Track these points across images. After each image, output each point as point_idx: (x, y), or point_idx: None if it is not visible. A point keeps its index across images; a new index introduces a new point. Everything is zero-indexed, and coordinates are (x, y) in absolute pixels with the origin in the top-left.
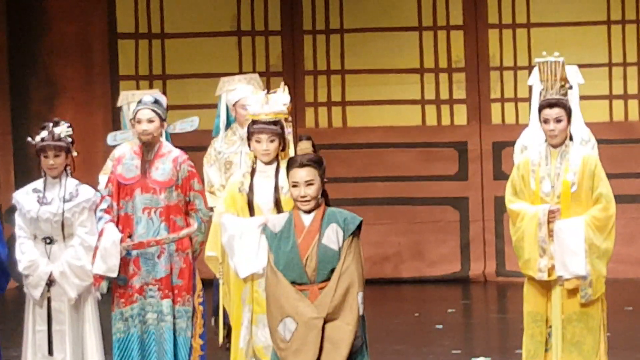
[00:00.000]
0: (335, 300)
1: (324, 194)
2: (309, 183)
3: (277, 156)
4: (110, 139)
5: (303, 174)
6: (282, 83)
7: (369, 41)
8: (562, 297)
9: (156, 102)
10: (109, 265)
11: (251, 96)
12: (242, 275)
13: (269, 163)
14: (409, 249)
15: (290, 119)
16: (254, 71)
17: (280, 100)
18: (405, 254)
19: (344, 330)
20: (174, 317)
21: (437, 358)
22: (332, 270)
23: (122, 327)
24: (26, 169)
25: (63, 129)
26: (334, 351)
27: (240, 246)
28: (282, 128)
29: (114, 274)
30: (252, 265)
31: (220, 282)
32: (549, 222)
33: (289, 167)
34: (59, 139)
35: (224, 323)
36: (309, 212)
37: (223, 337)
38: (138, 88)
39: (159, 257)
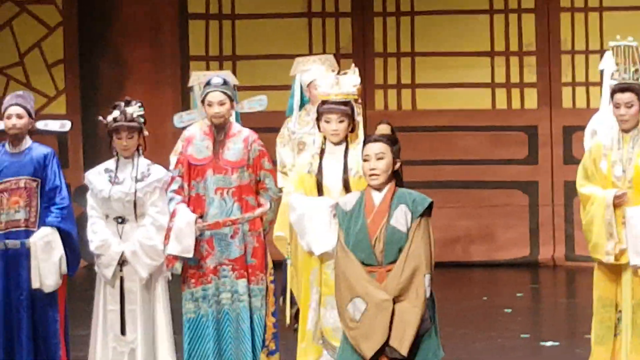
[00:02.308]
0: (402, 282)
1: (398, 175)
2: (379, 157)
3: (346, 137)
4: (177, 120)
5: (375, 147)
6: (353, 65)
7: (440, 24)
8: (632, 282)
9: (225, 83)
10: (184, 246)
11: (321, 77)
12: (317, 252)
13: (338, 144)
14: (478, 233)
15: (360, 100)
16: (324, 53)
17: (350, 81)
18: (474, 237)
19: (410, 312)
20: (249, 297)
21: (506, 342)
22: (400, 252)
23: (193, 308)
24: (95, 149)
25: (135, 109)
26: (401, 333)
27: (312, 225)
28: (352, 109)
29: (189, 255)
30: (326, 242)
31: (289, 262)
32: (615, 206)
33: (363, 144)
34: (132, 120)
35: (292, 304)
36: (378, 188)
37: (291, 318)
38: (208, 69)
39: (232, 237)
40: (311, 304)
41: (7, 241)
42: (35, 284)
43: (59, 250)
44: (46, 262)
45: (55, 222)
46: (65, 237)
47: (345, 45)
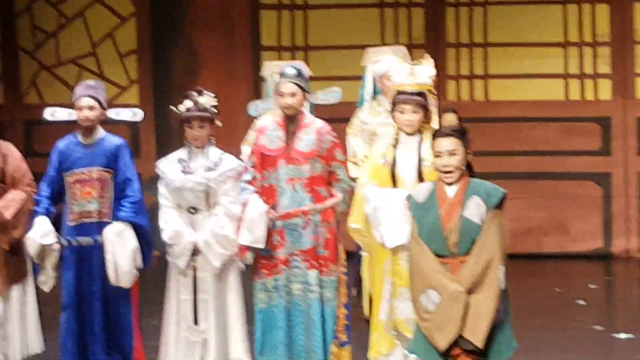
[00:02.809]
0: (476, 274)
1: (469, 166)
2: (452, 153)
3: (420, 128)
4: (252, 109)
5: (446, 143)
6: (428, 55)
7: (512, 14)
8: None
9: (298, 74)
10: (255, 236)
11: (396, 67)
12: (389, 245)
13: (412, 135)
14: (550, 224)
15: (434, 91)
16: (396, 43)
17: (425, 72)
18: (546, 228)
19: (485, 304)
20: (321, 287)
21: (578, 333)
22: (474, 243)
23: (265, 298)
24: (167, 138)
25: (207, 99)
26: (475, 325)
27: (385, 217)
28: (426, 100)
29: (261, 245)
30: (399, 235)
31: (364, 254)
32: None
33: (433, 138)
34: (204, 110)
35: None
36: (452, 183)
37: (367, 308)
38: (280, 59)
39: (304, 228)
40: (384, 295)
41: (79, 238)
42: (112, 280)
43: (133, 244)
44: (121, 258)
45: (128, 217)
46: (138, 230)
47: (418, 35)
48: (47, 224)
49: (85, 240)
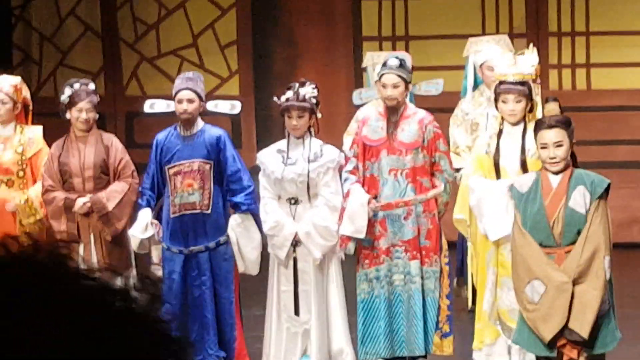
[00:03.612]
0: (582, 264)
1: (572, 155)
2: (558, 144)
3: (524, 117)
4: (356, 97)
5: (552, 135)
6: (531, 44)
7: (615, 2)
8: None
9: (401, 65)
10: (356, 227)
11: (498, 57)
12: (492, 237)
13: (515, 124)
14: None
15: (538, 80)
16: (497, 32)
17: (528, 61)
18: None
19: (590, 295)
20: (422, 278)
21: None
22: (579, 233)
23: (367, 288)
24: (268, 129)
25: (308, 90)
26: (581, 316)
27: (489, 208)
28: (530, 89)
29: (362, 235)
30: (502, 227)
31: (469, 244)
32: None
33: (536, 129)
34: (304, 100)
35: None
36: (557, 173)
37: (471, 299)
38: (381, 49)
39: (405, 218)
40: (487, 285)
41: (192, 248)
42: (240, 269)
43: (257, 233)
44: (248, 248)
45: (248, 208)
46: (256, 219)
47: (519, 24)
48: (149, 217)
49: (197, 249)
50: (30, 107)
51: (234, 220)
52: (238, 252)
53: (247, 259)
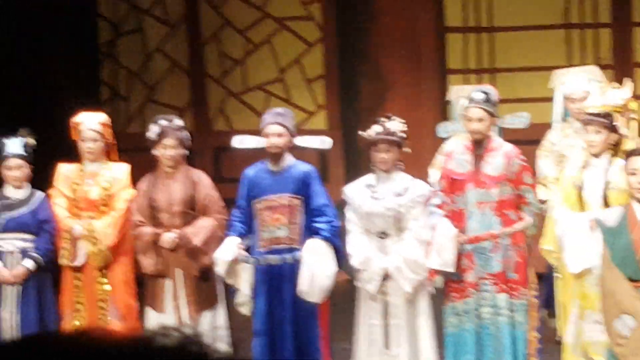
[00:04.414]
0: None
1: None
2: None
3: (611, 150)
4: (441, 130)
5: None
6: (630, 80)
7: None
8: None
9: (486, 99)
10: (444, 260)
11: (581, 88)
12: (573, 270)
13: (598, 156)
14: None
15: (630, 114)
16: (582, 64)
17: (618, 93)
18: None
19: None
20: (511, 311)
21: None
22: None
23: (455, 322)
24: (356, 164)
25: (396, 124)
26: None
27: (571, 241)
28: (612, 121)
29: (450, 269)
30: (583, 260)
31: (556, 275)
32: None
33: (628, 156)
34: (392, 134)
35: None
36: None
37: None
38: (467, 82)
39: (493, 251)
40: (571, 317)
41: (269, 257)
42: (303, 292)
43: (332, 265)
44: (319, 273)
45: (328, 237)
46: (335, 251)
47: (605, 56)
48: (235, 242)
49: (274, 259)
50: (114, 143)
51: (312, 242)
52: (308, 275)
53: (315, 284)
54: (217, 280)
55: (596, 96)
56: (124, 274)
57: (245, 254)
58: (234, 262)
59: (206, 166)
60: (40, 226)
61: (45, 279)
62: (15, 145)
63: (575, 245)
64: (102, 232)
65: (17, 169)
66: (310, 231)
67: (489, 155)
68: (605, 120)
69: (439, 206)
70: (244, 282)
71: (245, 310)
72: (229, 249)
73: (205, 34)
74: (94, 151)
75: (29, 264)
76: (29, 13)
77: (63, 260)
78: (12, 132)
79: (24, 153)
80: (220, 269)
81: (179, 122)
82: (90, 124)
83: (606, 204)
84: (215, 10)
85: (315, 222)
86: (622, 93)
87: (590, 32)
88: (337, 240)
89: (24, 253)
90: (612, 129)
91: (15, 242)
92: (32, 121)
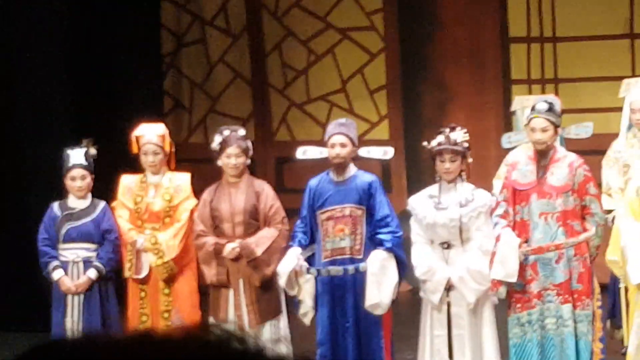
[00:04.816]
0: None
1: None
2: None
3: None
4: (505, 140)
5: None
6: None
7: None
8: None
9: (550, 109)
10: (507, 271)
11: None
12: (634, 281)
13: None
14: None
15: None
16: None
17: None
18: None
19: None
20: (575, 322)
21: None
22: None
23: (519, 332)
24: (418, 174)
25: (460, 134)
26: None
27: (633, 252)
28: None
29: (513, 279)
30: None
31: (622, 285)
32: None
33: None
34: (456, 144)
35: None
36: None
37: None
38: (530, 92)
39: (557, 262)
40: (633, 327)
41: (330, 268)
42: (367, 305)
43: (394, 274)
44: (382, 286)
45: (392, 248)
46: (398, 262)
47: None
48: (298, 253)
49: (335, 269)
50: (174, 152)
51: (376, 255)
52: (371, 287)
53: (378, 295)
54: (280, 290)
55: None
56: (188, 284)
57: (306, 264)
58: (296, 273)
59: (268, 176)
60: (102, 236)
61: (108, 289)
62: (78, 155)
63: (637, 256)
64: (166, 244)
65: (81, 179)
66: (374, 242)
67: (553, 165)
68: None
69: (503, 216)
70: (306, 293)
71: (307, 320)
72: (291, 260)
73: (267, 45)
74: (155, 164)
75: (92, 273)
76: (93, 24)
77: (127, 273)
78: (76, 143)
79: (87, 163)
80: (282, 280)
81: (242, 131)
82: (150, 137)
83: None
84: (277, 20)
85: (379, 232)
86: None
87: None
88: (400, 251)
89: (87, 263)
90: None
91: (78, 251)
92: (97, 132)
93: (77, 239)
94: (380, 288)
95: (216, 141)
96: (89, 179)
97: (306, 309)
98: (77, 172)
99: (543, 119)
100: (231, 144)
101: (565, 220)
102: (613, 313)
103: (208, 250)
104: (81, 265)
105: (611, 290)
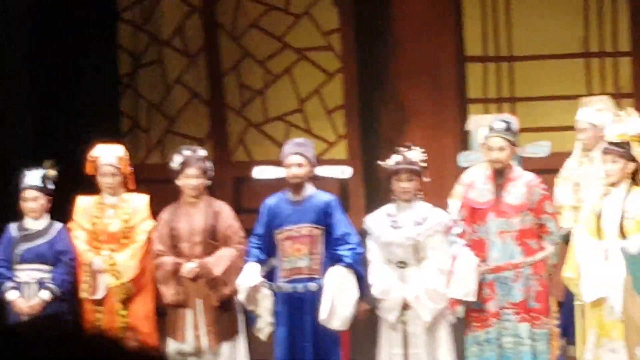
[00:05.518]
0: None
1: None
2: None
3: (631, 179)
4: (462, 159)
5: None
6: (631, 108)
7: None
8: None
9: (507, 129)
10: (466, 290)
11: (590, 119)
12: (586, 299)
13: (615, 186)
14: None
15: None
16: (602, 93)
17: (636, 122)
18: None
19: None
20: (533, 340)
21: None
22: None
23: (477, 351)
24: (377, 193)
25: (416, 154)
26: None
27: (586, 270)
28: (629, 151)
29: (472, 298)
30: (598, 289)
31: (577, 302)
32: None
33: None
34: (413, 163)
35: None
36: None
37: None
38: (487, 111)
39: (514, 280)
40: (588, 345)
41: (290, 285)
42: (322, 319)
43: (353, 289)
44: (340, 300)
45: (351, 263)
46: (357, 278)
47: (625, 84)
48: (256, 269)
49: (295, 287)
50: (132, 173)
51: (334, 270)
52: (328, 301)
53: (335, 312)
54: (238, 310)
55: (614, 125)
56: (145, 305)
57: (265, 280)
58: (255, 289)
59: (226, 196)
60: (57, 257)
61: (63, 310)
62: (33, 176)
63: (591, 274)
64: (124, 265)
65: (33, 201)
66: (333, 259)
67: (510, 184)
68: (623, 150)
69: (460, 235)
70: (264, 309)
71: (263, 335)
72: (251, 275)
73: (224, 65)
74: (112, 185)
75: (45, 295)
76: (50, 46)
77: (83, 294)
78: (35, 163)
79: (41, 184)
80: (241, 295)
81: (202, 152)
82: (107, 158)
83: (622, 233)
84: (235, 41)
85: (338, 249)
86: (637, 122)
87: (609, 60)
88: (360, 268)
89: (41, 284)
90: (630, 158)
91: (32, 272)
92: (55, 153)
93: (32, 260)
94: (335, 303)
95: (176, 161)
96: (42, 201)
97: (263, 324)
98: (29, 194)
99: (500, 138)
100: (191, 165)
101: (523, 239)
102: (567, 331)
103: (167, 269)
104: (35, 286)
105: (566, 308)
